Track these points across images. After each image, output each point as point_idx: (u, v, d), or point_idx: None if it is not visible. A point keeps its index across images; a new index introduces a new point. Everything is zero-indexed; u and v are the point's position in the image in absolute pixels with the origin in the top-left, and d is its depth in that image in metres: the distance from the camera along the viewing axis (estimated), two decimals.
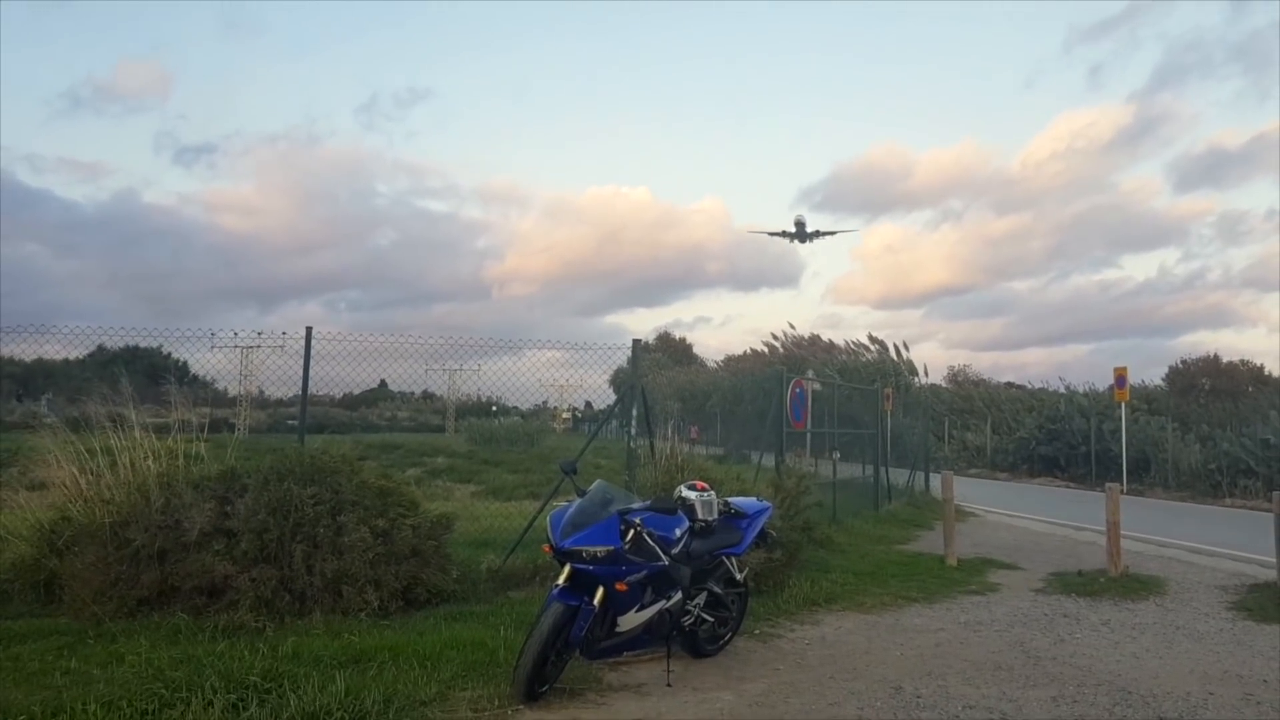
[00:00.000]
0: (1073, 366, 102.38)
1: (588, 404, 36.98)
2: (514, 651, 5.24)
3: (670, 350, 70.92)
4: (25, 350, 9.26)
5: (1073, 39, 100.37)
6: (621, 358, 10.11)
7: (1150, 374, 48.94)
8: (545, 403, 31.00)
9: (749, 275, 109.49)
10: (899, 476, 18.96)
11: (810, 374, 21.28)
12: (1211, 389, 39.07)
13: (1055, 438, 29.11)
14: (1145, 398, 34.66)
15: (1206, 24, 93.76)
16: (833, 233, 59.04)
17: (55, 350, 10.21)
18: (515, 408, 28.32)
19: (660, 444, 9.75)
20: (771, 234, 58.50)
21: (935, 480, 18.00)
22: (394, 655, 5.53)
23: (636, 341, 9.30)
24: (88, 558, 6.56)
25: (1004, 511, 17.70)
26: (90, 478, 7.14)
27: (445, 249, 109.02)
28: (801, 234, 57.24)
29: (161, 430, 7.67)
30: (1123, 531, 9.99)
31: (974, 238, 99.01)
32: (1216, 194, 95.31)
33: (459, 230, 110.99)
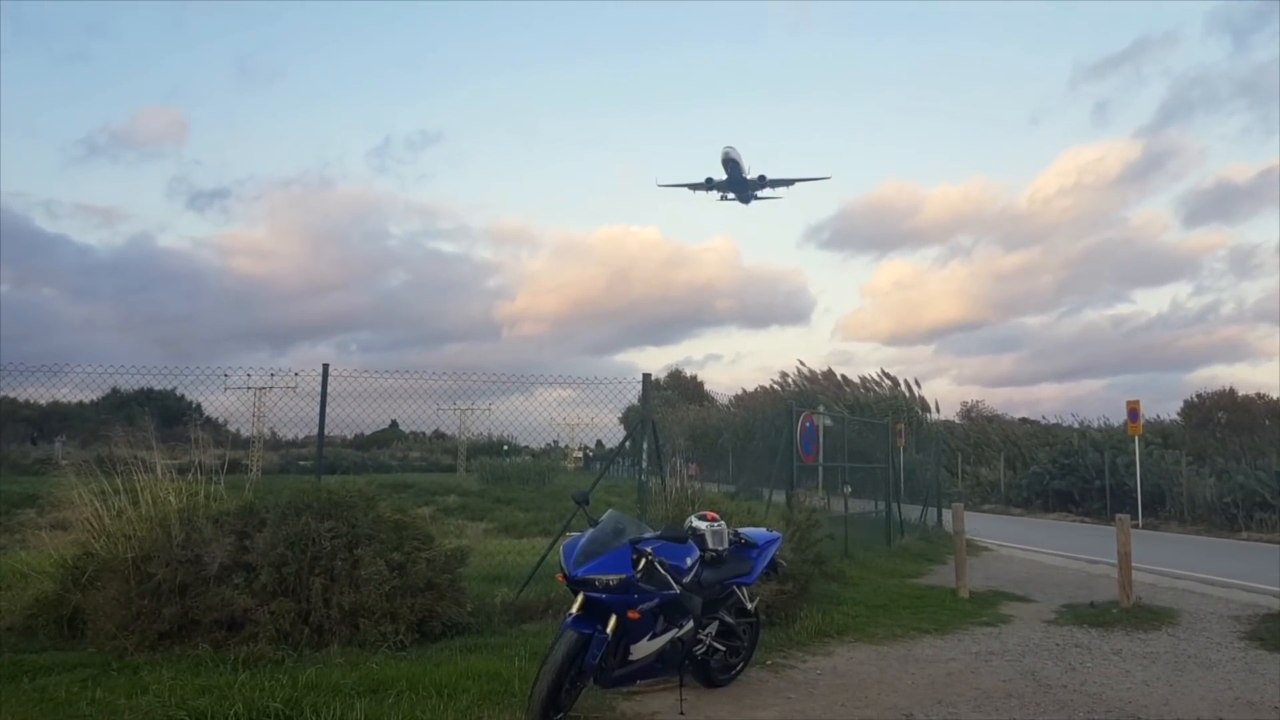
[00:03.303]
0: (1087, 402, 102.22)
1: (599, 443, 37.19)
2: (528, 681, 5.32)
3: (681, 388, 70.89)
4: (40, 393, 9.49)
5: (1078, 76, 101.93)
6: (632, 395, 10.25)
7: (1166, 408, 49.03)
8: (556, 442, 31.22)
9: (759, 313, 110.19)
10: (912, 512, 18.94)
11: (820, 409, 21.34)
12: (1228, 423, 38.95)
13: (1069, 472, 28.97)
14: (1160, 432, 34.44)
15: (1210, 60, 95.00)
16: (789, 181, 45.85)
17: (70, 393, 10.46)
18: (526, 447, 28.49)
19: (670, 480, 9.86)
20: (694, 187, 47.40)
21: (948, 515, 17.96)
22: (411, 685, 5.61)
23: (646, 376, 9.44)
24: (110, 592, 6.68)
25: (1017, 546, 17.62)
26: (112, 513, 7.30)
27: (456, 289, 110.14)
28: (739, 185, 42.10)
29: (179, 471, 7.85)
30: (1137, 565, 10.00)
31: (984, 273, 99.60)
32: (1227, 228, 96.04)
33: (470, 271, 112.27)
